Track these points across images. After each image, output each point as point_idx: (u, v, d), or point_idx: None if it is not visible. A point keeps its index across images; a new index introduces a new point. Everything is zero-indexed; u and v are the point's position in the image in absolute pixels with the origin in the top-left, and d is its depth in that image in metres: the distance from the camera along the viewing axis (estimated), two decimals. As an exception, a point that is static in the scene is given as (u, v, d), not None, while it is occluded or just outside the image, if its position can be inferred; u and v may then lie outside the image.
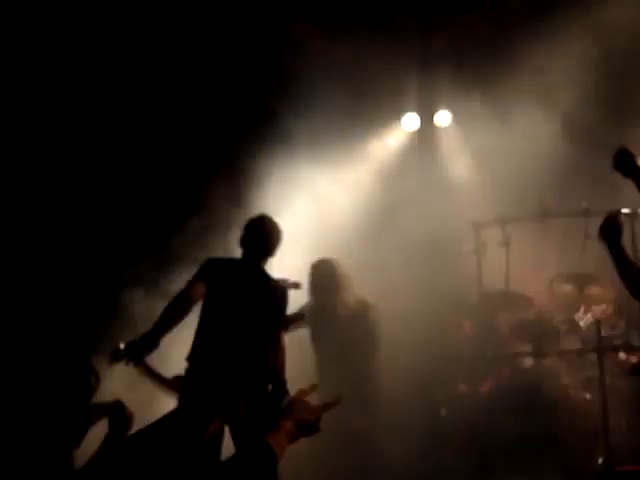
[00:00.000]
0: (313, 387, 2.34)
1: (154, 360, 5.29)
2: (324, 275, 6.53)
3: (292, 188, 8.20)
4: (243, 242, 5.37)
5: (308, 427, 2.22)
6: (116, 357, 4.87)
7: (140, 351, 4.84)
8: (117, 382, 5.40)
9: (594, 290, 7.03)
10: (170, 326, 4.86)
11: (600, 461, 6.04)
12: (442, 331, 7.25)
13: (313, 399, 2.29)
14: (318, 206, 8.63)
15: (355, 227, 7.97)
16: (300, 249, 7.39)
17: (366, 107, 8.40)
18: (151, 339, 4.77)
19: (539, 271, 7.39)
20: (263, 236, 5.35)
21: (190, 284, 5.07)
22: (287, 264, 6.07)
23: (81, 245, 7.39)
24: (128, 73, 7.51)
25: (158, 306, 5.23)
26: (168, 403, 5.25)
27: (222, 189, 7.98)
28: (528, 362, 6.89)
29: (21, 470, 2.60)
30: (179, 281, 5.54)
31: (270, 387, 5.10)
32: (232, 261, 5.45)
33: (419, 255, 7.33)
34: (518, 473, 6.27)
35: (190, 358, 5.01)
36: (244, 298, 5.13)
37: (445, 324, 7.28)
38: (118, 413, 2.93)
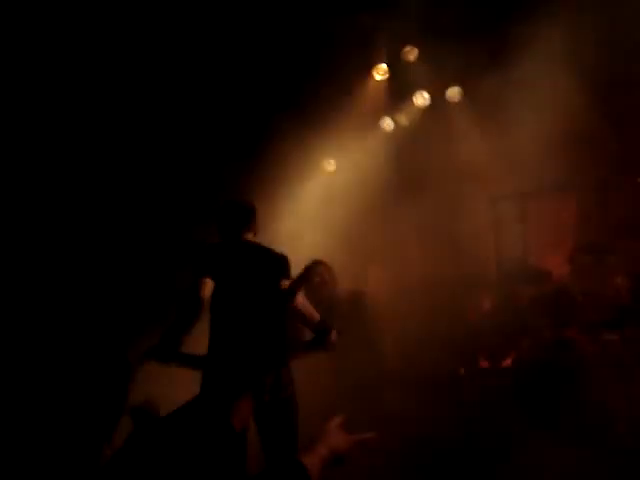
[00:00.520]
0: (345, 419, 2.32)
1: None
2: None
3: (306, 170, 8.24)
4: (218, 225, 5.28)
5: (340, 458, 2.17)
6: (146, 358, 4.89)
7: (165, 355, 4.84)
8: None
9: (612, 260, 7.03)
10: (188, 330, 4.86)
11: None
12: (462, 307, 7.27)
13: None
14: (333, 186, 8.67)
15: (372, 205, 7.97)
16: (318, 229, 7.45)
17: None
18: (172, 343, 4.78)
19: (557, 244, 7.38)
20: (232, 212, 5.32)
21: (196, 284, 5.00)
22: (306, 242, 6.10)
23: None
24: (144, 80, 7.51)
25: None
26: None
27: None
28: (548, 335, 6.90)
29: (50, 462, 2.61)
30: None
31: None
32: (221, 244, 5.39)
33: (437, 232, 7.34)
34: (540, 443, 6.30)
35: (211, 342, 5.00)
36: (248, 272, 5.13)
37: (465, 300, 7.30)
38: (145, 414, 2.92)
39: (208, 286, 4.92)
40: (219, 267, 5.06)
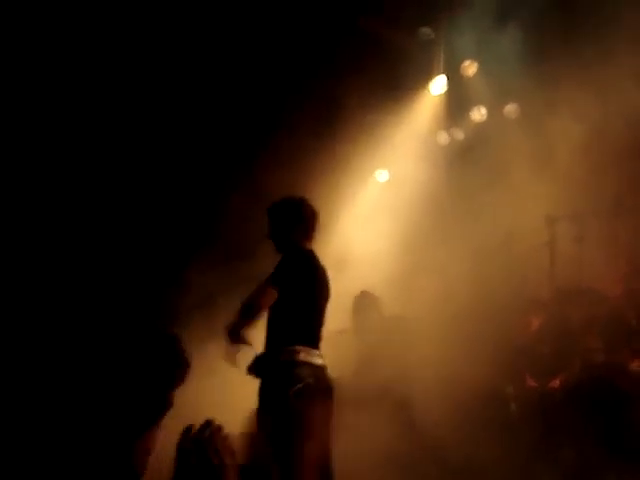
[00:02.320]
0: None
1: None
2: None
3: (358, 178, 8.27)
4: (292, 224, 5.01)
5: None
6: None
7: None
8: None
9: (669, 286, 6.94)
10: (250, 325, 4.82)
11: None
12: (510, 327, 7.22)
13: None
14: (384, 197, 8.69)
15: (422, 219, 7.96)
16: (365, 240, 7.46)
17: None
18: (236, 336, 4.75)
19: (613, 267, 7.30)
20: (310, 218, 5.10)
21: (262, 291, 4.92)
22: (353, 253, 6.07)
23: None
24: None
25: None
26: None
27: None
28: (599, 358, 6.82)
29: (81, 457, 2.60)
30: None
31: None
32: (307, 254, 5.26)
33: (490, 249, 7.29)
34: (588, 467, 6.22)
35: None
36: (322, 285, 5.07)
37: (514, 320, 7.24)
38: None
39: (271, 297, 4.83)
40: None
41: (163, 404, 2.73)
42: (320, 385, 4.70)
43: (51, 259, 7.01)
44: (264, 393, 4.65)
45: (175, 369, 2.85)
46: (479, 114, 8.69)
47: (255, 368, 4.70)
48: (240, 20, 7.70)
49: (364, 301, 6.98)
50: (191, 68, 7.59)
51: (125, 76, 7.33)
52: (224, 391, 5.90)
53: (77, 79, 7.20)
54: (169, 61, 7.47)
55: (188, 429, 2.44)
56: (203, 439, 2.38)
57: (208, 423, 2.42)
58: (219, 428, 2.42)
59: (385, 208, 8.44)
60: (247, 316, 4.65)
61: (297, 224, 4.94)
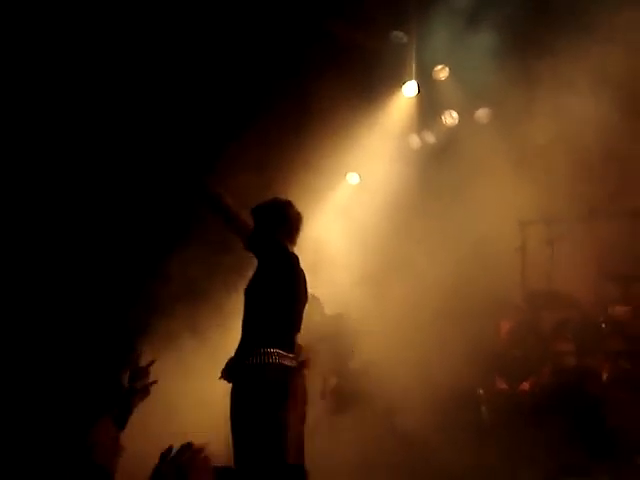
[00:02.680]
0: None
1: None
2: None
3: (329, 181, 8.26)
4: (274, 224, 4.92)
5: None
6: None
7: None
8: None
9: (638, 289, 7.02)
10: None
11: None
12: (482, 329, 7.25)
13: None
14: (355, 199, 8.68)
15: (394, 221, 7.95)
16: (336, 241, 7.44)
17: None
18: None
19: (584, 271, 7.36)
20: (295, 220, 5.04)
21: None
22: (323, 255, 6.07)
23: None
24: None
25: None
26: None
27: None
28: (571, 361, 6.88)
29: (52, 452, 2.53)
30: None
31: None
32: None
33: (461, 252, 7.31)
34: (561, 471, 6.26)
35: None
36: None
37: (485, 323, 7.27)
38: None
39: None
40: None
41: (112, 387, 2.63)
42: (292, 388, 4.67)
43: (33, 249, 6.93)
44: (235, 396, 4.59)
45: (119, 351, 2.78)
46: (451, 118, 8.71)
47: (227, 372, 4.65)
48: (212, 22, 7.65)
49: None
50: (161, 71, 7.51)
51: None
52: (203, 386, 5.82)
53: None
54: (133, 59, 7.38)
55: (167, 451, 2.38)
56: (182, 463, 2.33)
57: (188, 445, 2.37)
58: (199, 451, 2.37)
59: (356, 211, 8.42)
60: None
61: (282, 226, 4.88)
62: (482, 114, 8.51)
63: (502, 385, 7.06)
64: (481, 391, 7.07)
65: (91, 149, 7.24)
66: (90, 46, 7.06)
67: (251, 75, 8.02)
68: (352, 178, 8.97)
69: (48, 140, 7.05)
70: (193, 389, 6.17)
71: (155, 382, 2.62)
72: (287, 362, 4.69)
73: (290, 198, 5.17)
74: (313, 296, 6.83)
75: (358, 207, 8.49)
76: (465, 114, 8.61)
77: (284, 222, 4.88)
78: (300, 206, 5.13)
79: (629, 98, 7.08)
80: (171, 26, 7.43)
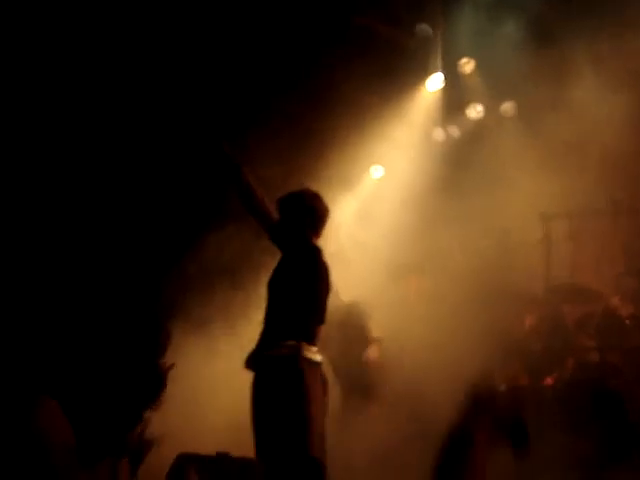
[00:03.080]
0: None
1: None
2: None
3: (353, 174, 8.26)
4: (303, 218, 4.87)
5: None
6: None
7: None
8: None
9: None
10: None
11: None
12: (505, 323, 7.22)
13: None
14: (379, 193, 8.68)
15: (418, 214, 7.93)
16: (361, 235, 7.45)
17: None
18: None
19: (606, 266, 7.29)
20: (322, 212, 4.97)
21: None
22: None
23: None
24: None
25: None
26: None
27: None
28: (593, 357, 6.82)
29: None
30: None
31: None
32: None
33: (484, 246, 7.28)
34: (580, 466, 6.21)
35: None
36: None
37: (509, 316, 7.23)
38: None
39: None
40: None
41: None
42: (316, 381, 4.68)
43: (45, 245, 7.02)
44: (258, 387, 4.60)
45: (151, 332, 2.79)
46: (475, 111, 8.68)
47: (252, 361, 4.66)
48: (239, 14, 7.69)
49: None
50: (189, 58, 7.55)
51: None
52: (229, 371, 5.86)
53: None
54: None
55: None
56: None
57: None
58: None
59: (380, 204, 8.42)
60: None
61: (308, 219, 4.83)
62: (507, 108, 8.47)
63: (524, 380, 7.02)
64: (503, 386, 7.03)
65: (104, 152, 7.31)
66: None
67: (279, 67, 8.05)
68: (377, 170, 8.98)
69: (74, 123, 7.12)
70: (219, 374, 6.17)
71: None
72: (310, 355, 4.69)
73: (313, 189, 5.16)
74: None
75: (382, 199, 8.48)
76: (490, 107, 8.56)
77: (311, 215, 4.82)
78: (324, 197, 5.13)
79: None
80: (195, 12, 7.46)
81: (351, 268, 7.09)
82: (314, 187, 5.26)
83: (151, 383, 2.62)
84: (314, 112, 7.97)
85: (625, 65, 7.27)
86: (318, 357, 4.70)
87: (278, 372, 4.56)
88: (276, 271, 4.81)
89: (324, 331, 5.06)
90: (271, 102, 7.98)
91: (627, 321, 6.73)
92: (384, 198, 8.53)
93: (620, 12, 7.29)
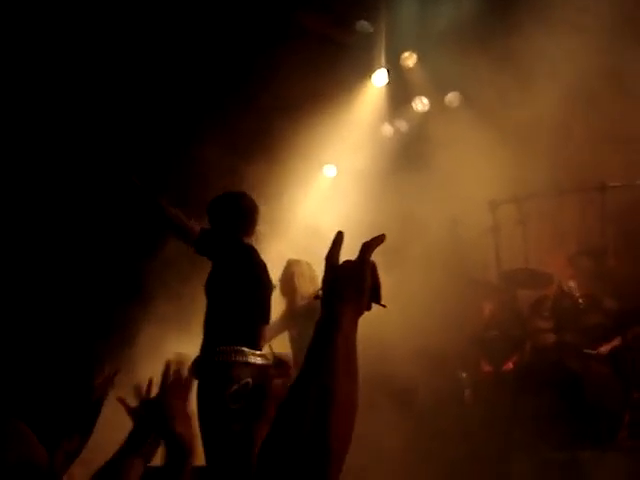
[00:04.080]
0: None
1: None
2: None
3: (306, 175, 8.26)
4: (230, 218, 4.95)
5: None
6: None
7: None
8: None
9: (613, 263, 7.02)
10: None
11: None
12: (463, 312, 7.25)
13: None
14: (333, 191, 8.68)
15: (371, 209, 7.95)
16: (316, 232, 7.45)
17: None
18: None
19: (558, 247, 7.36)
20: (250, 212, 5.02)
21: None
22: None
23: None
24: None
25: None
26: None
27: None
28: (550, 339, 6.88)
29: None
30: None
31: None
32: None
33: (437, 236, 7.31)
34: (544, 450, 6.26)
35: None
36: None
37: (466, 305, 7.28)
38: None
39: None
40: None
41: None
42: (259, 385, 4.66)
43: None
44: (201, 395, 4.60)
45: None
46: (422, 104, 8.72)
47: (194, 370, 4.65)
48: (183, 15, 7.64)
49: None
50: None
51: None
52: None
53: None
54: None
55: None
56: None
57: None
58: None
59: (334, 201, 8.44)
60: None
61: (236, 219, 4.89)
62: (452, 98, 8.52)
63: (486, 367, 7.07)
64: (464, 374, 7.07)
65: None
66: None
67: (218, 67, 8.02)
68: (329, 170, 9.01)
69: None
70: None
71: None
72: (254, 359, 4.68)
73: (267, 194, 5.14)
74: (307, 263, 6.66)
75: (335, 198, 8.50)
76: (435, 99, 8.61)
77: (238, 214, 4.89)
78: (279, 201, 5.12)
79: (594, 84, 7.04)
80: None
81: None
82: (265, 190, 5.24)
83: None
84: (257, 116, 7.94)
85: (570, 48, 7.31)
86: (259, 360, 4.70)
87: (216, 378, 4.57)
88: (211, 275, 4.82)
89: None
90: (211, 106, 7.95)
91: (581, 300, 6.78)
92: (339, 195, 8.54)
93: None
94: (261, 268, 4.88)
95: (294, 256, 6.35)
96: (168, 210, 4.70)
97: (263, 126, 8.03)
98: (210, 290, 4.78)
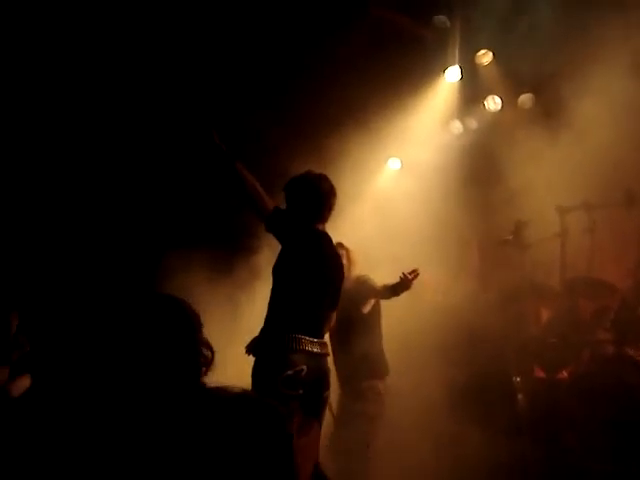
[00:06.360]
0: None
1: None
2: None
3: (370, 167, 8.25)
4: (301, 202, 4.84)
5: None
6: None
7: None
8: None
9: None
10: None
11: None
12: (521, 316, 7.20)
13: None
14: (397, 185, 8.67)
15: (435, 206, 7.90)
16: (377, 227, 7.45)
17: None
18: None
19: (623, 258, 7.24)
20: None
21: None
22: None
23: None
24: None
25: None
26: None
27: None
28: (609, 350, 6.78)
29: None
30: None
31: None
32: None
33: (501, 239, 7.26)
34: (597, 461, 6.20)
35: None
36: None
37: (524, 309, 7.21)
38: None
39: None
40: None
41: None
42: (313, 374, 4.65)
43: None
44: (255, 375, 4.61)
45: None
46: (493, 103, 8.64)
47: (252, 348, 4.68)
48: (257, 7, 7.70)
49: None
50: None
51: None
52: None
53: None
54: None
55: None
56: None
57: None
58: None
59: (398, 196, 8.41)
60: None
61: (314, 202, 4.79)
62: (525, 99, 8.42)
63: (540, 373, 7.01)
64: (518, 379, 7.02)
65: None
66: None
67: (293, 58, 8.06)
68: (394, 163, 8.99)
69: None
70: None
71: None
72: (312, 347, 4.68)
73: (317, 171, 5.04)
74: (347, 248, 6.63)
75: (399, 193, 8.47)
76: (508, 100, 8.52)
77: (315, 198, 4.78)
78: (340, 193, 5.05)
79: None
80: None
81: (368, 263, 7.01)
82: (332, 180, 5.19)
83: None
84: (331, 106, 7.94)
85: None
86: (317, 349, 4.69)
87: (272, 361, 4.57)
88: (278, 259, 4.78)
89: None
90: (287, 93, 7.99)
91: (643, 313, 6.68)
92: (402, 190, 8.51)
93: None
94: (330, 257, 4.87)
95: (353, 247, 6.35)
96: (246, 176, 4.62)
97: (332, 117, 8.04)
98: (276, 273, 4.77)
